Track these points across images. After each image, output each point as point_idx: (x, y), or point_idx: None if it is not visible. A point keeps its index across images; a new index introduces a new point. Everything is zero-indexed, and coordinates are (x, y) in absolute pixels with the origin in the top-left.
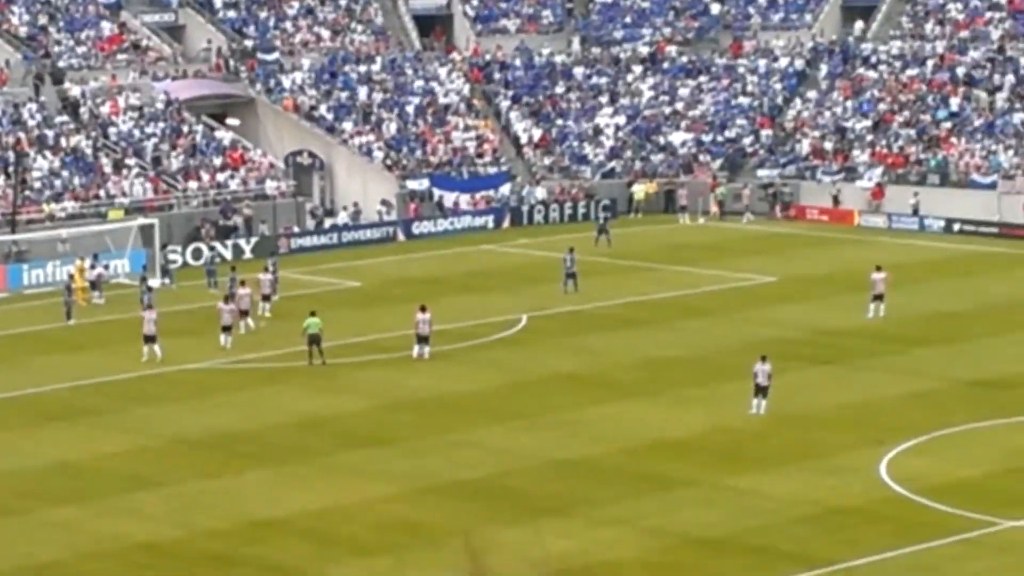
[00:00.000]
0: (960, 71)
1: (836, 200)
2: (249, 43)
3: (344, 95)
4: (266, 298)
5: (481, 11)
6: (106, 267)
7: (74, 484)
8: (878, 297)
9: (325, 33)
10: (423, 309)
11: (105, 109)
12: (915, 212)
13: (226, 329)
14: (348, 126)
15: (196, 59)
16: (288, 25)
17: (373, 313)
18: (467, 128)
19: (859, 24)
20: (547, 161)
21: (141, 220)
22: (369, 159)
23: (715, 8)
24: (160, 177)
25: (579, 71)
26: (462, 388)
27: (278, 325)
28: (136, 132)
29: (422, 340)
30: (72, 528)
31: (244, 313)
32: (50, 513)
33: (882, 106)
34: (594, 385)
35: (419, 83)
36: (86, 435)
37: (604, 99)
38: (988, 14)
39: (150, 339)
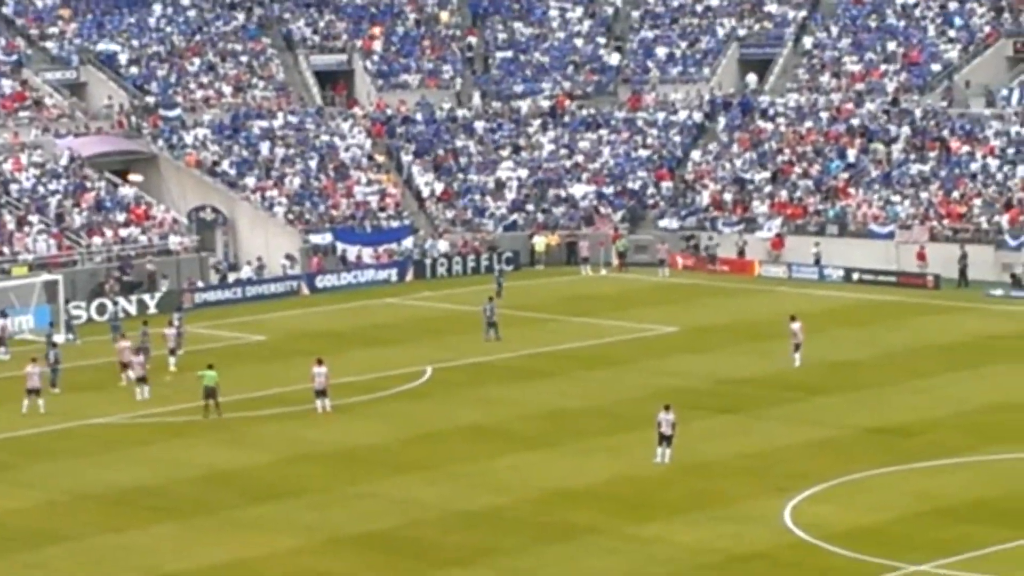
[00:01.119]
0: (856, 123)
1: (742, 251)
2: (151, 100)
3: (246, 151)
4: (172, 352)
5: (382, 67)
6: (3, 315)
7: None
8: (797, 347)
9: (227, 89)
10: (319, 362)
11: (7, 166)
12: (817, 262)
13: (141, 380)
14: (250, 181)
15: (98, 116)
16: (190, 82)
17: (278, 367)
18: (369, 182)
19: (751, 77)
20: (449, 214)
21: (45, 276)
22: (272, 214)
23: (614, 59)
24: (63, 233)
25: (480, 125)
26: (366, 440)
27: (183, 379)
28: (39, 189)
29: (320, 394)
30: None
31: (125, 366)
32: None
33: (780, 158)
34: (498, 436)
35: (321, 138)
36: None
37: (505, 152)
38: (883, 67)
39: (33, 392)
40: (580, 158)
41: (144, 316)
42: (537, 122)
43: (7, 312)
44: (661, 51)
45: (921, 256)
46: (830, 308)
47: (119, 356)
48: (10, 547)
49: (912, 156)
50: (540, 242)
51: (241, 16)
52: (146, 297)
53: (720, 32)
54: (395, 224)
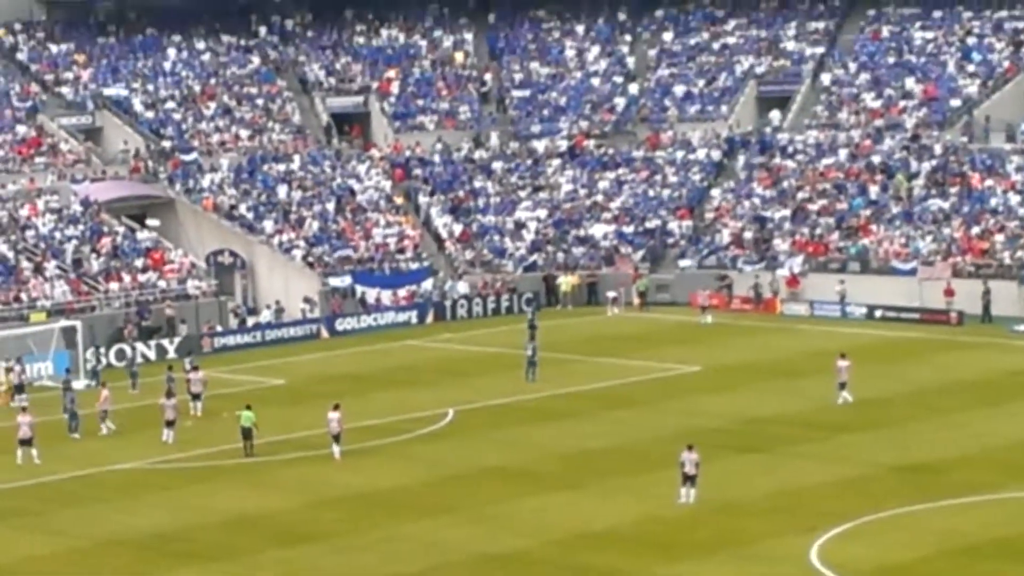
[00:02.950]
0: (876, 159)
1: (775, 291)
2: (167, 144)
3: (263, 194)
4: (195, 397)
5: (398, 108)
6: (19, 361)
7: None
8: (842, 385)
9: (243, 132)
10: (335, 408)
11: (24, 212)
12: (842, 299)
13: (169, 424)
14: (268, 224)
15: (114, 161)
16: (205, 125)
17: (298, 410)
18: (388, 224)
19: (775, 114)
20: (468, 255)
21: (63, 322)
22: (290, 257)
23: (633, 89)
24: (81, 279)
25: (498, 165)
26: (390, 483)
27: (204, 424)
28: (56, 234)
29: (336, 439)
30: None
31: (105, 415)
32: None
33: (800, 195)
34: (521, 478)
35: (338, 180)
36: (14, 538)
37: (524, 193)
38: (902, 103)
39: (25, 442)
40: (599, 197)
41: (166, 361)
42: (555, 162)
43: (23, 359)
44: (679, 89)
45: (949, 292)
46: (853, 345)
47: (100, 404)
48: None
49: (933, 192)
50: (566, 282)
51: (256, 59)
52: (165, 342)
53: (738, 70)
54: (414, 266)
